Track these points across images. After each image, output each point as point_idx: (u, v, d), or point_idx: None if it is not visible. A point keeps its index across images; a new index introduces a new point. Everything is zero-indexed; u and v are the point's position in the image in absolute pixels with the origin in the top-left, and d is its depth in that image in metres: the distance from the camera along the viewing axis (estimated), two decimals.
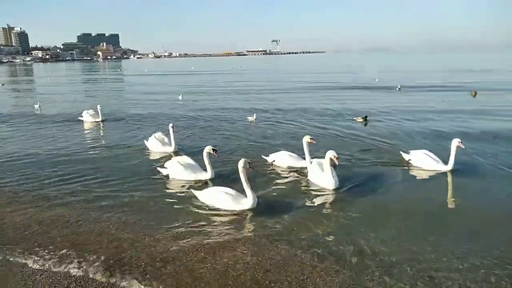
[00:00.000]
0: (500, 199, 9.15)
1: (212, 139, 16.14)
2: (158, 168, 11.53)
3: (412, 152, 11.77)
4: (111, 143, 15.77)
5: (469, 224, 7.91)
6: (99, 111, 20.82)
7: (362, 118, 18.54)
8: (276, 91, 35.12)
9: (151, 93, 36.22)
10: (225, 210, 8.74)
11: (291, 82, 45.63)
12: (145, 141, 14.81)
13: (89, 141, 16.44)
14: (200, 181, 10.84)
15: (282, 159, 11.95)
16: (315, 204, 9.19)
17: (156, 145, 14.29)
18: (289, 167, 11.77)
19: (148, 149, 14.41)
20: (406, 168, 11.48)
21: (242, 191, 8.86)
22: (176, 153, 13.97)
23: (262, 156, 12.56)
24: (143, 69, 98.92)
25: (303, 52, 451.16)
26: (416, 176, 10.92)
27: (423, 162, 11.29)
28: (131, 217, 8.54)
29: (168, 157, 13.34)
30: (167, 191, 10.26)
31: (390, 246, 7.04)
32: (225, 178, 10.94)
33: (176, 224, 8.13)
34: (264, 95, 31.82)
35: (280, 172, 11.55)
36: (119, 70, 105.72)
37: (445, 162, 10.97)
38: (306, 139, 11.41)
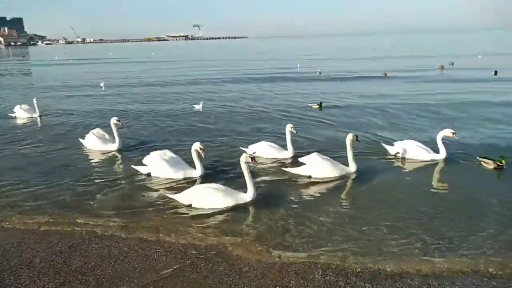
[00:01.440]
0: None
1: (161, 133, 14.31)
2: (134, 166, 9.92)
3: (397, 143, 10.78)
4: (58, 142, 13.25)
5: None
6: (35, 105, 17.70)
7: (318, 104, 17.92)
8: (205, 80, 33.31)
9: (70, 87, 32.29)
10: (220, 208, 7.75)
11: (212, 71, 43.79)
12: (80, 139, 12.55)
13: (29, 141, 13.59)
14: (188, 179, 9.40)
15: (262, 150, 10.90)
16: (312, 195, 8.49)
17: (95, 143, 12.11)
18: (271, 159, 10.79)
19: (86, 147, 12.22)
20: (394, 159, 10.53)
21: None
22: (120, 151, 12.00)
23: (241, 147, 11.46)
24: (54, 57, 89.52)
25: (226, 38, 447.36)
26: (409, 168, 9.97)
27: (413, 153, 10.41)
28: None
29: (113, 157, 11.46)
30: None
31: None
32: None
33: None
34: (197, 85, 29.78)
35: (262, 164, 10.40)
36: (26, 57, 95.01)
37: (435, 150, 10.35)
38: (288, 128, 10.74)
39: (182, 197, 7.89)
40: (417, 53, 60.46)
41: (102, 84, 28.74)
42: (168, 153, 9.80)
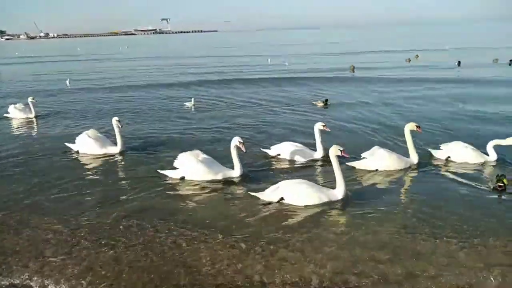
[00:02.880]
0: None
1: (164, 133, 13.24)
2: (162, 171, 9.05)
3: (444, 146, 9.84)
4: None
5: None
6: (30, 105, 16.08)
7: (323, 102, 16.90)
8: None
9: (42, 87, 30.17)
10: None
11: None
12: (67, 144, 11.21)
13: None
14: (226, 180, 8.82)
15: (287, 152, 10.02)
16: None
17: (92, 146, 10.92)
18: (297, 161, 9.97)
19: (78, 152, 10.98)
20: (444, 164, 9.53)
21: None
22: (122, 153, 10.88)
23: (261, 149, 10.60)
24: (14, 53, 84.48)
25: (196, 31, 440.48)
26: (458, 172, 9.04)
27: (466, 156, 9.53)
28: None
29: (112, 162, 10.29)
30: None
31: None
32: None
33: None
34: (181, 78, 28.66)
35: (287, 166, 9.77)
36: None
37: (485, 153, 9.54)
38: (319, 126, 9.85)
39: (270, 195, 7.55)
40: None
41: (67, 82, 26.03)
42: (200, 154, 9.01)
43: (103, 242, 6.28)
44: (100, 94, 21.95)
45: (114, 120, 10.86)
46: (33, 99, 16.10)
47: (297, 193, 7.40)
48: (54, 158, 10.63)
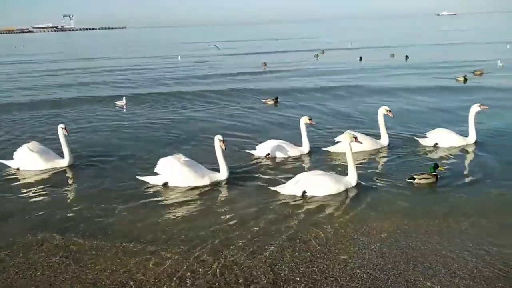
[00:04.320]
0: None
1: (108, 139, 12.05)
2: (142, 178, 8.34)
3: (430, 133, 10.45)
4: None
5: None
6: None
7: (273, 99, 16.49)
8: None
9: None
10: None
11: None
12: (3, 161, 9.65)
13: None
14: (213, 184, 8.36)
15: (275, 150, 9.86)
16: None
17: (34, 161, 9.47)
18: (287, 158, 9.84)
19: (18, 169, 9.47)
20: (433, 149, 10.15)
21: None
22: (72, 167, 9.63)
23: (247, 150, 10.16)
24: None
25: (103, 28, 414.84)
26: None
27: (449, 140, 10.24)
28: None
29: (61, 177, 9.12)
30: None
31: None
32: None
33: None
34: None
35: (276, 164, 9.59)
36: None
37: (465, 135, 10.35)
38: (305, 120, 9.77)
39: (292, 189, 7.56)
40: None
41: None
42: (182, 157, 8.37)
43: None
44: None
45: (60, 128, 9.53)
46: None
47: (319, 185, 7.51)
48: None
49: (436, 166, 7.95)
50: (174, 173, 8.15)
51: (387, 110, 10.03)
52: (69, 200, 7.87)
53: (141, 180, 8.32)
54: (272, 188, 7.74)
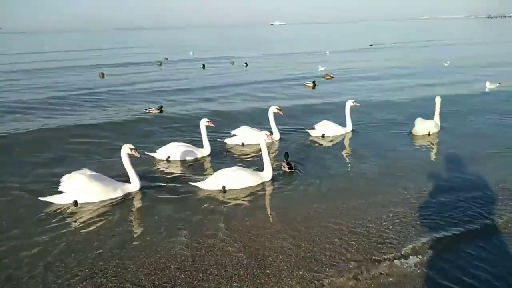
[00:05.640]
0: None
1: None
2: (44, 199, 7.59)
3: (317, 125, 12.07)
4: None
5: None
6: None
7: (157, 108, 15.81)
8: None
9: None
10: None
11: None
12: None
13: None
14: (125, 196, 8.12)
15: (176, 153, 10.02)
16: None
17: None
18: (187, 160, 10.08)
19: None
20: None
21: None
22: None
23: (146, 152, 10.12)
24: None
25: None
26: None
27: (331, 130, 11.97)
28: None
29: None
30: None
31: None
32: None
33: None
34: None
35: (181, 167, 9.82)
36: None
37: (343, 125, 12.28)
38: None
39: (211, 183, 8.17)
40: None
41: None
42: (88, 172, 7.84)
43: None
44: None
45: None
46: None
47: (236, 179, 8.19)
48: None
49: (287, 155, 9.24)
50: (83, 189, 7.59)
51: (277, 109, 10.98)
52: None
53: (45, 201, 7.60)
54: (192, 184, 8.26)
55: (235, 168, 8.47)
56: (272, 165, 8.77)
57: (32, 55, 53.73)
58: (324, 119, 12.24)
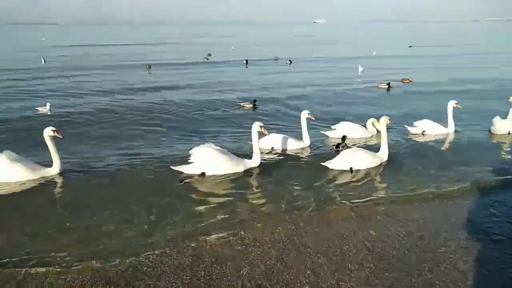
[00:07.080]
0: None
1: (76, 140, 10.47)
2: (175, 167, 8.28)
3: (417, 123, 11.88)
4: None
5: None
6: None
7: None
8: None
9: None
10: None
11: None
12: None
13: None
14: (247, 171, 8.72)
15: (279, 143, 10.26)
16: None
17: (16, 171, 8.03)
18: (289, 151, 10.24)
19: None
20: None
21: None
22: (63, 174, 8.47)
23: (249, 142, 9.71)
24: None
25: None
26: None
27: (438, 129, 11.81)
28: None
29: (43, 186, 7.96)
30: None
31: None
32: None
33: None
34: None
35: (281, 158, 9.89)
36: None
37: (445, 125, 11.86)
38: (305, 114, 10.20)
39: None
40: None
41: None
42: (213, 146, 8.58)
43: None
44: None
45: (49, 131, 8.27)
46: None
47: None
48: None
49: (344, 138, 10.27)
50: (212, 162, 8.28)
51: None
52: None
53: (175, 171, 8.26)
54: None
55: (358, 149, 9.13)
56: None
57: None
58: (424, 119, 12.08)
